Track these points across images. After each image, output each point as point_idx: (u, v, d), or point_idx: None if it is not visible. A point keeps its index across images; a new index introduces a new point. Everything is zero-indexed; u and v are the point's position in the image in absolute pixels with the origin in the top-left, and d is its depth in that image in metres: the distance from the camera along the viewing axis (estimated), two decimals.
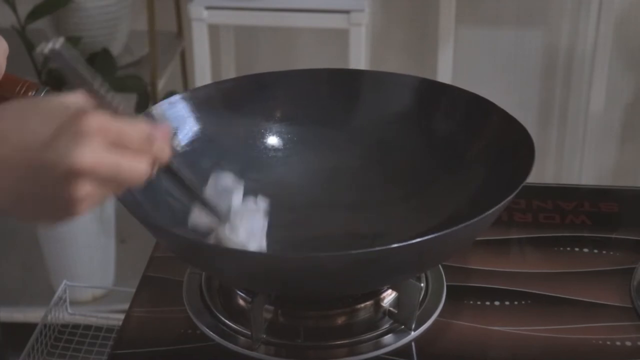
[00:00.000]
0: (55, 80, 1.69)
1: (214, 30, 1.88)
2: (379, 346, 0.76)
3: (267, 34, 2.02)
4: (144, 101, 1.74)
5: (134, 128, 0.60)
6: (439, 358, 0.76)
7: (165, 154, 0.62)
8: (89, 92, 0.60)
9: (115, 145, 0.58)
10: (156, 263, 0.88)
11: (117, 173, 0.58)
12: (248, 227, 0.74)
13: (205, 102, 0.88)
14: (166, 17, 1.94)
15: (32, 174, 0.57)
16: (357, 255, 0.66)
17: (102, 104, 0.60)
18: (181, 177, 0.68)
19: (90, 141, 0.56)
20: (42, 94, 0.74)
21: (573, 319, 0.79)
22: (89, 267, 1.84)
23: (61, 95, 0.60)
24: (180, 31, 1.99)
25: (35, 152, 0.57)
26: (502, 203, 0.70)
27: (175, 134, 0.86)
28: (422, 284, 0.81)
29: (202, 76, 1.76)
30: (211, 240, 0.73)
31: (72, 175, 0.56)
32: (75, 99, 0.59)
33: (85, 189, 0.57)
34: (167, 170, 0.67)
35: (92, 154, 0.56)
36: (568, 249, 0.89)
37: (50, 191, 0.57)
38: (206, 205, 0.72)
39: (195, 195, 0.71)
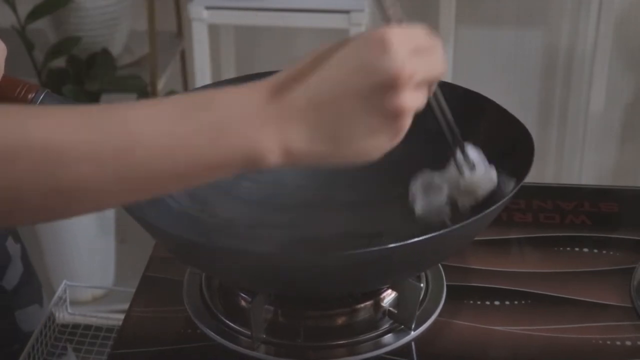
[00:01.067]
0: (55, 80, 1.69)
1: (214, 30, 1.88)
2: (379, 346, 0.76)
3: (267, 34, 2.02)
4: None
5: (420, 32, 0.63)
6: (438, 358, 0.76)
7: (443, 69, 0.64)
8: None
9: (417, 51, 0.60)
10: (156, 263, 0.88)
11: (427, 73, 0.61)
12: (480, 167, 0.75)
13: None
14: (166, 17, 1.94)
15: (357, 92, 0.58)
16: (357, 255, 0.66)
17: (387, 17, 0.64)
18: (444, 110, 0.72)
19: (401, 52, 0.58)
20: (42, 95, 0.74)
21: (573, 319, 0.79)
22: (89, 267, 1.84)
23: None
24: (180, 31, 1.99)
25: (355, 75, 0.58)
26: (501, 203, 0.70)
27: None
28: (422, 284, 0.81)
29: (202, 76, 1.76)
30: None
31: (396, 86, 0.58)
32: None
33: (409, 98, 0.59)
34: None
35: (407, 62, 0.58)
36: (568, 249, 0.89)
37: (377, 108, 0.59)
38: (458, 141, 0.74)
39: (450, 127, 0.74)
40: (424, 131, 0.89)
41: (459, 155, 0.73)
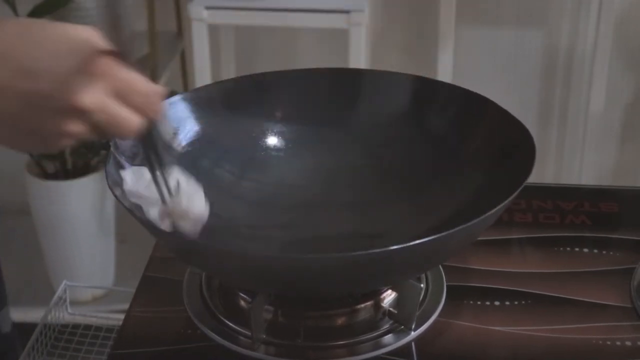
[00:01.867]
0: None
1: (214, 30, 1.88)
2: (379, 346, 0.76)
3: (267, 34, 2.02)
4: None
5: (142, 83, 0.61)
6: (439, 358, 0.76)
7: (159, 116, 0.63)
8: (111, 32, 0.60)
9: (119, 95, 0.59)
10: (156, 263, 0.88)
11: (112, 122, 0.59)
12: (186, 194, 0.74)
13: (206, 102, 0.89)
14: (166, 17, 1.94)
15: (30, 101, 0.57)
16: (357, 257, 0.66)
17: (118, 45, 0.60)
18: (155, 146, 0.68)
19: (98, 84, 0.57)
20: None
21: (573, 319, 0.79)
22: (89, 267, 1.84)
23: (68, 25, 0.59)
24: (180, 31, 1.99)
25: (37, 81, 0.56)
26: (503, 204, 0.70)
27: (175, 134, 0.86)
28: (422, 284, 0.81)
29: (202, 76, 1.75)
30: (162, 221, 0.73)
31: (72, 111, 0.57)
32: (83, 32, 0.59)
33: (77, 127, 0.58)
34: (148, 135, 0.67)
35: (96, 97, 0.57)
36: (568, 249, 0.89)
37: (43, 122, 0.58)
38: (161, 181, 0.71)
39: (157, 168, 0.71)
40: (428, 132, 0.89)
41: (160, 179, 0.72)
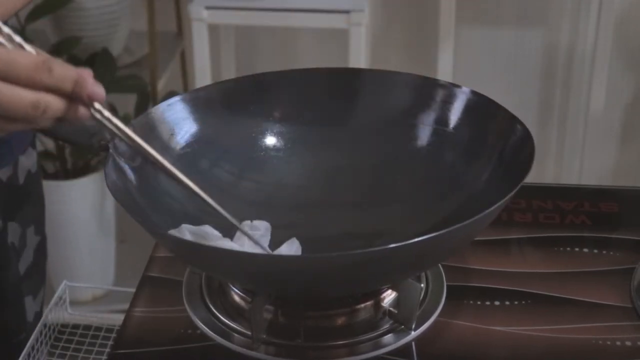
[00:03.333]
0: None
1: (214, 30, 1.88)
2: (379, 346, 0.76)
3: (267, 34, 2.03)
4: (144, 101, 1.74)
5: (20, 55, 0.59)
6: (439, 358, 0.76)
7: (68, 80, 0.60)
8: None
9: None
10: (156, 263, 0.88)
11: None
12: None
13: (205, 103, 0.88)
14: (166, 17, 1.94)
15: None
16: (357, 256, 0.66)
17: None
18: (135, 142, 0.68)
19: None
20: None
21: (573, 319, 0.79)
22: (89, 267, 1.84)
23: None
24: (180, 31, 1.99)
25: None
26: (501, 202, 0.70)
27: (173, 134, 0.86)
28: (422, 284, 0.81)
29: (202, 76, 1.76)
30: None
31: None
32: None
33: None
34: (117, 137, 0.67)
35: None
36: (568, 249, 0.89)
37: None
38: (173, 176, 0.71)
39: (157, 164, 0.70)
40: (428, 131, 0.89)
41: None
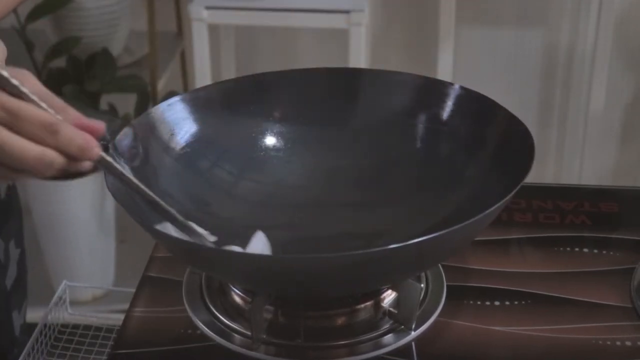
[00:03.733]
0: (55, 80, 1.69)
1: (214, 30, 1.88)
2: (379, 346, 0.76)
3: (267, 34, 2.03)
4: (144, 101, 1.74)
5: (33, 111, 0.60)
6: (439, 358, 0.76)
7: (74, 146, 0.61)
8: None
9: (4, 123, 0.58)
10: (156, 263, 0.88)
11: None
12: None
13: (205, 103, 0.88)
14: (166, 17, 1.94)
15: None
16: (357, 256, 0.66)
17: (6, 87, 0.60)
18: (132, 185, 0.69)
19: None
20: None
21: (573, 319, 0.79)
22: (89, 267, 1.84)
23: None
24: (180, 31, 1.99)
25: None
26: (501, 202, 0.70)
27: (173, 135, 0.86)
28: (422, 284, 0.81)
29: (202, 76, 1.76)
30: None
31: None
32: None
33: None
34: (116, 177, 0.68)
35: None
36: (568, 249, 0.89)
37: None
38: (169, 216, 0.72)
39: (158, 209, 0.72)
40: (427, 131, 0.89)
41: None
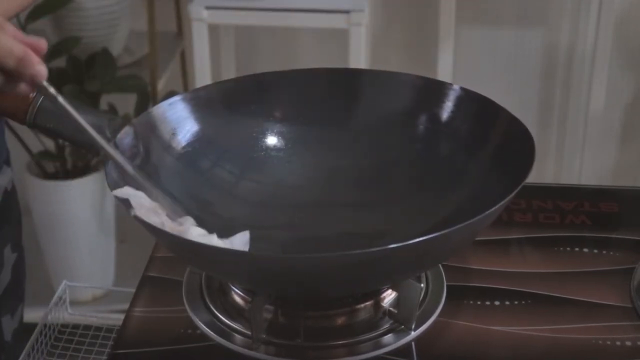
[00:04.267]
0: (55, 80, 1.69)
1: (214, 30, 1.88)
2: (379, 346, 0.76)
3: (267, 34, 2.02)
4: (144, 101, 1.74)
5: None
6: (439, 358, 0.76)
7: (14, 60, 0.58)
8: None
9: None
10: (156, 263, 0.88)
11: None
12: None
13: (206, 102, 0.89)
14: (166, 17, 1.94)
15: None
16: (357, 256, 0.66)
17: None
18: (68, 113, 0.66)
19: None
20: (41, 99, 0.74)
21: (573, 319, 0.79)
22: (89, 267, 1.84)
23: None
24: (180, 31, 1.99)
25: None
26: (502, 203, 0.70)
27: (174, 134, 0.86)
28: (422, 284, 0.81)
29: (202, 76, 1.76)
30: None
31: None
32: None
33: None
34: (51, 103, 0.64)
35: None
36: (568, 249, 0.89)
37: None
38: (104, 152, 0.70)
39: (85, 136, 0.69)
40: (427, 131, 0.89)
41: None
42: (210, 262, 0.74)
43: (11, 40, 0.58)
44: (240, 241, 0.77)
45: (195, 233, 0.73)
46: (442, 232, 0.67)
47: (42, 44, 0.60)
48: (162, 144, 0.83)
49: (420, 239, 0.66)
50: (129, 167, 0.72)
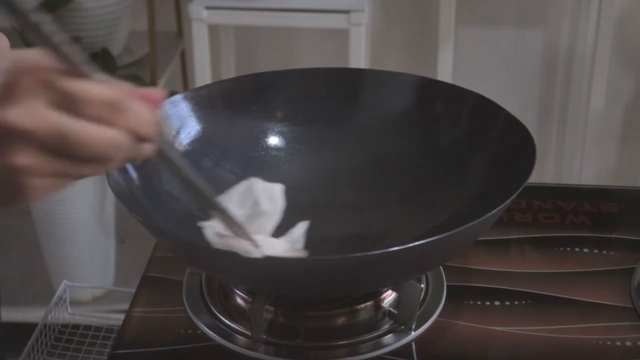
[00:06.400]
0: None
1: (214, 30, 1.88)
2: (379, 346, 0.76)
3: (267, 34, 2.03)
4: None
5: (94, 89, 0.49)
6: (439, 358, 0.76)
7: (145, 124, 0.52)
8: (48, 48, 0.49)
9: (63, 107, 0.48)
10: (156, 263, 0.88)
11: (64, 138, 0.48)
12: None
13: (206, 102, 0.89)
14: (166, 17, 1.94)
15: None
16: (358, 258, 0.66)
17: (64, 63, 0.50)
18: (178, 168, 0.60)
19: (29, 98, 0.47)
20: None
21: (573, 319, 0.79)
22: (89, 267, 1.84)
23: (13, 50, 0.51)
24: (180, 31, 1.99)
25: None
26: (503, 204, 0.70)
27: (177, 133, 0.86)
28: (422, 285, 0.81)
29: (202, 76, 1.76)
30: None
31: (7, 136, 0.47)
32: (30, 54, 0.50)
33: (28, 157, 0.48)
34: (162, 158, 0.57)
35: (28, 111, 0.47)
36: (568, 249, 0.89)
37: None
38: (214, 207, 0.67)
39: (199, 194, 0.64)
40: (428, 132, 0.89)
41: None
42: (210, 262, 0.74)
43: (139, 105, 0.52)
44: (299, 232, 0.77)
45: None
46: (444, 234, 0.66)
47: (160, 96, 0.53)
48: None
49: (422, 241, 0.65)
50: (239, 220, 0.70)
